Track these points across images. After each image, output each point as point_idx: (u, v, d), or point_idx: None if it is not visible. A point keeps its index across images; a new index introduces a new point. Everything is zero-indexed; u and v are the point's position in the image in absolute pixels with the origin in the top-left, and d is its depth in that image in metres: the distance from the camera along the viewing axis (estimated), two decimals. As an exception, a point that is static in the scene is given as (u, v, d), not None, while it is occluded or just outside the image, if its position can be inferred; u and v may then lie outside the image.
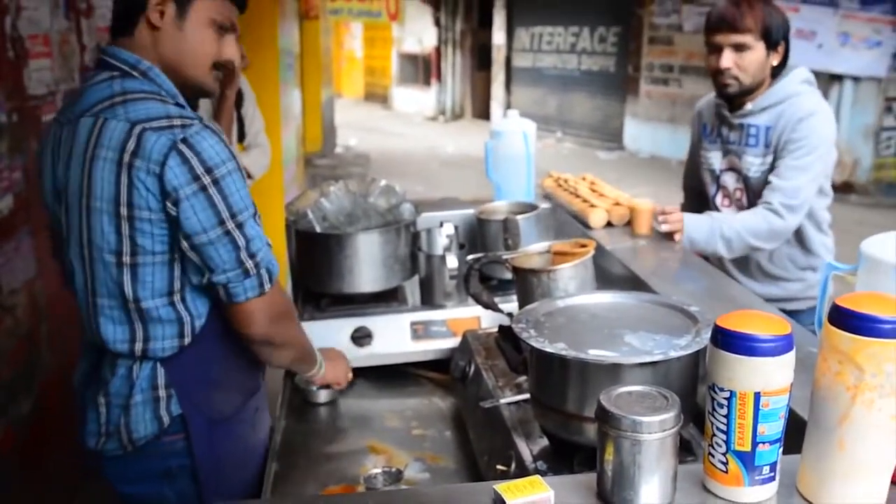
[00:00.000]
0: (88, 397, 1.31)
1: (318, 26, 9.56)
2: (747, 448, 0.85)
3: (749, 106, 1.96)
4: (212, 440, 1.30)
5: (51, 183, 1.27)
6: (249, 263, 1.22)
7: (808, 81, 1.99)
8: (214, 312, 1.28)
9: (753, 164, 1.99)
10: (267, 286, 1.25)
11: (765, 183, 1.96)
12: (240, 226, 1.20)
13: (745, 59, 1.89)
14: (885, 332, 0.80)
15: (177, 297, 1.24)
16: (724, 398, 0.85)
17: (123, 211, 1.17)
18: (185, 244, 1.19)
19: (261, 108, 3.11)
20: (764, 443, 0.85)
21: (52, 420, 2.32)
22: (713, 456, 0.88)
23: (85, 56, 2.66)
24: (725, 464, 0.87)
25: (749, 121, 1.97)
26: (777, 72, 1.96)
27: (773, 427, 0.85)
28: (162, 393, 1.26)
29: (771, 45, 1.90)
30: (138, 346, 1.24)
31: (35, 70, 2.26)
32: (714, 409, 0.87)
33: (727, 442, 0.86)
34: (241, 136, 2.91)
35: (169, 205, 1.16)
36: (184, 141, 1.15)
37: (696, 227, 1.92)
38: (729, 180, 2.07)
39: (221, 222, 1.17)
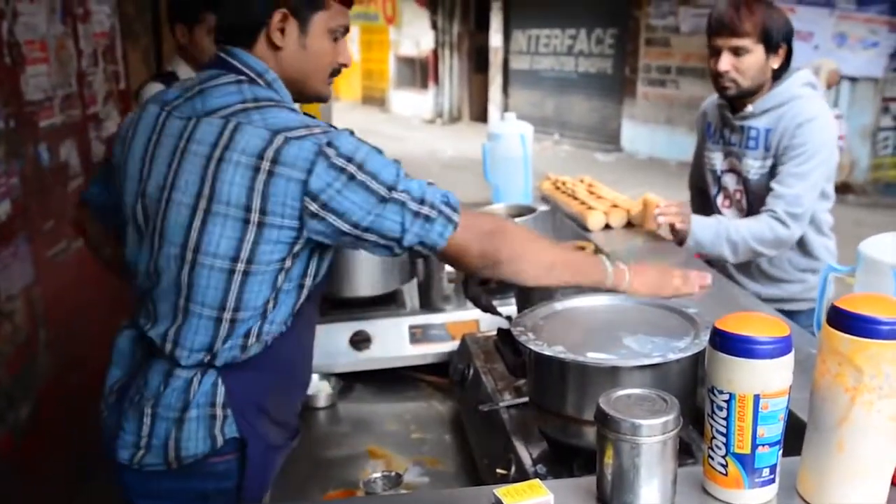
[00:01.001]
0: (126, 408, 1.22)
1: (316, 30, 9.56)
2: (747, 450, 0.85)
3: (750, 108, 1.96)
4: (265, 467, 1.26)
5: (137, 173, 1.23)
6: (425, 209, 1.19)
7: (811, 84, 1.98)
8: (282, 338, 1.24)
9: (753, 166, 1.99)
10: (455, 217, 1.21)
11: (765, 187, 1.96)
12: (395, 191, 1.17)
13: (743, 62, 1.89)
14: (883, 334, 0.80)
15: (269, 306, 1.21)
16: (724, 401, 0.85)
17: (254, 217, 1.14)
18: (355, 232, 1.17)
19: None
20: (763, 445, 0.85)
21: (50, 425, 2.32)
22: (713, 458, 0.88)
23: (82, 61, 2.66)
24: (725, 466, 0.87)
25: (749, 123, 1.98)
26: (779, 74, 1.96)
27: (773, 429, 0.85)
28: (219, 412, 1.20)
29: (771, 48, 1.90)
30: (207, 357, 1.20)
31: (32, 76, 2.26)
32: (713, 411, 0.87)
33: (727, 444, 0.86)
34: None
35: (312, 210, 1.14)
36: (328, 144, 1.14)
37: (703, 229, 1.92)
38: (729, 182, 2.07)
39: (382, 199, 1.16)
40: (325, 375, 1.76)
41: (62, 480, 2.35)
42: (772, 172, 1.95)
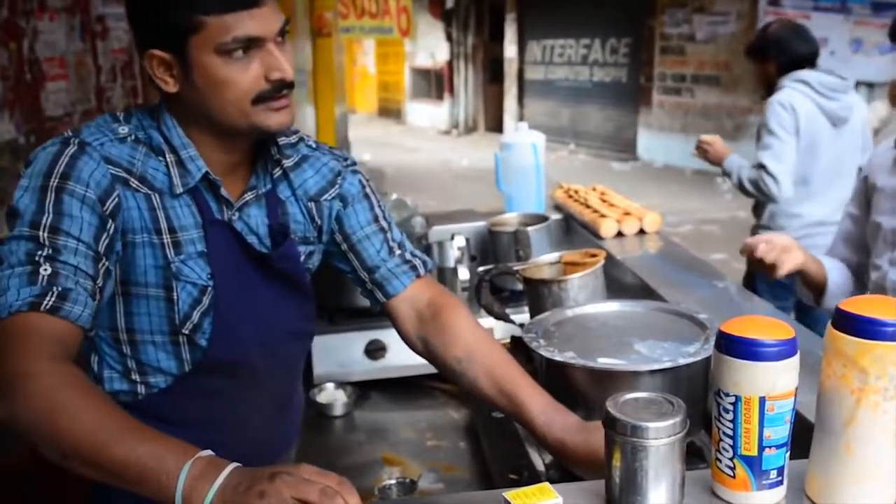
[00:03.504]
0: None
1: (331, 43, 9.64)
2: (754, 452, 0.86)
3: None
4: None
5: None
6: None
7: None
8: (167, 394, 1.10)
9: None
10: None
11: None
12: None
13: None
14: (888, 335, 0.80)
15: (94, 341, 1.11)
16: (730, 403, 0.86)
17: None
18: None
19: (274, 125, 3.14)
20: (770, 447, 0.86)
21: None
22: (720, 461, 0.89)
23: (101, 77, 2.72)
24: (733, 469, 0.88)
25: None
26: None
27: (779, 431, 0.86)
28: None
29: None
30: None
31: (52, 92, 2.32)
32: (720, 414, 0.87)
33: (734, 447, 0.87)
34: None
35: None
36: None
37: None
38: None
39: None
40: (341, 384, 1.79)
41: (85, 487, 2.38)
42: None
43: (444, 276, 1.89)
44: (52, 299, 0.91)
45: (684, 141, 10.02)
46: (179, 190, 1.05)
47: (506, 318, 1.61)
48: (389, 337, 1.80)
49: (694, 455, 1.17)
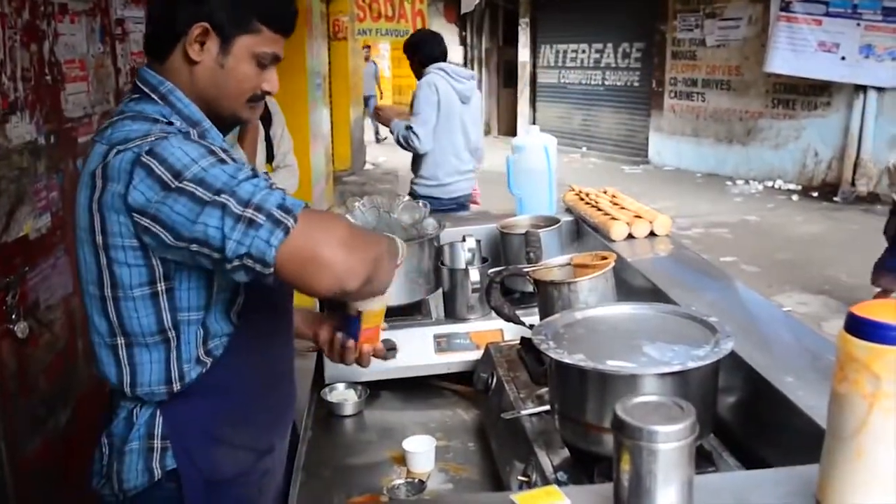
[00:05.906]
0: (99, 435, 1.24)
1: (347, 47, 9.69)
2: None
3: None
4: (209, 500, 1.19)
5: None
6: (249, 212, 1.00)
7: None
8: (224, 361, 1.18)
9: None
10: (288, 220, 1.00)
11: None
12: (222, 194, 1.01)
13: None
14: (901, 340, 0.80)
15: (170, 335, 1.14)
16: None
17: (98, 238, 1.10)
18: (181, 244, 1.03)
19: (289, 127, 3.17)
20: None
21: (87, 432, 2.38)
22: None
23: (119, 79, 2.75)
24: None
25: None
26: None
27: None
28: (157, 443, 1.17)
29: None
30: (129, 389, 1.16)
31: (72, 93, 2.34)
32: None
33: None
34: (270, 157, 2.98)
35: (144, 225, 1.05)
36: (149, 152, 1.04)
37: None
38: None
39: (203, 204, 1.01)
40: (352, 384, 1.79)
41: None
42: None
43: (456, 277, 1.90)
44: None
45: (695, 145, 10.01)
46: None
47: (516, 320, 1.62)
48: (400, 337, 1.81)
49: (703, 459, 1.17)
